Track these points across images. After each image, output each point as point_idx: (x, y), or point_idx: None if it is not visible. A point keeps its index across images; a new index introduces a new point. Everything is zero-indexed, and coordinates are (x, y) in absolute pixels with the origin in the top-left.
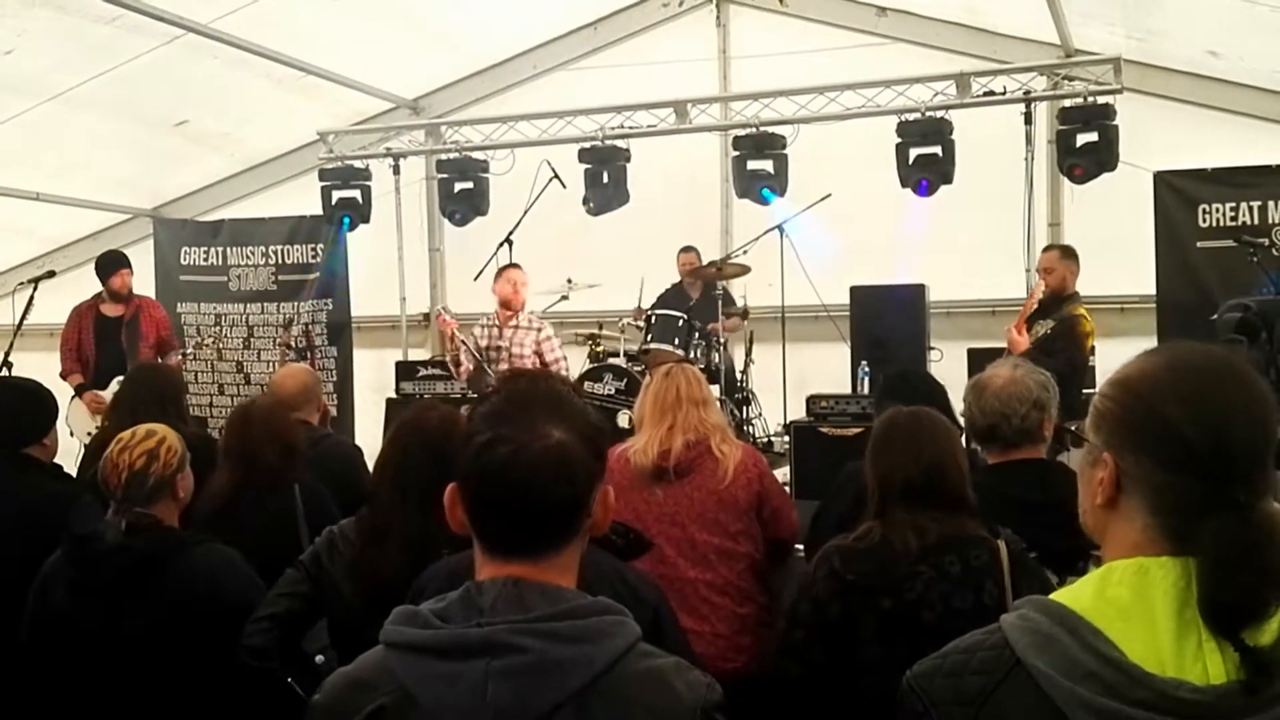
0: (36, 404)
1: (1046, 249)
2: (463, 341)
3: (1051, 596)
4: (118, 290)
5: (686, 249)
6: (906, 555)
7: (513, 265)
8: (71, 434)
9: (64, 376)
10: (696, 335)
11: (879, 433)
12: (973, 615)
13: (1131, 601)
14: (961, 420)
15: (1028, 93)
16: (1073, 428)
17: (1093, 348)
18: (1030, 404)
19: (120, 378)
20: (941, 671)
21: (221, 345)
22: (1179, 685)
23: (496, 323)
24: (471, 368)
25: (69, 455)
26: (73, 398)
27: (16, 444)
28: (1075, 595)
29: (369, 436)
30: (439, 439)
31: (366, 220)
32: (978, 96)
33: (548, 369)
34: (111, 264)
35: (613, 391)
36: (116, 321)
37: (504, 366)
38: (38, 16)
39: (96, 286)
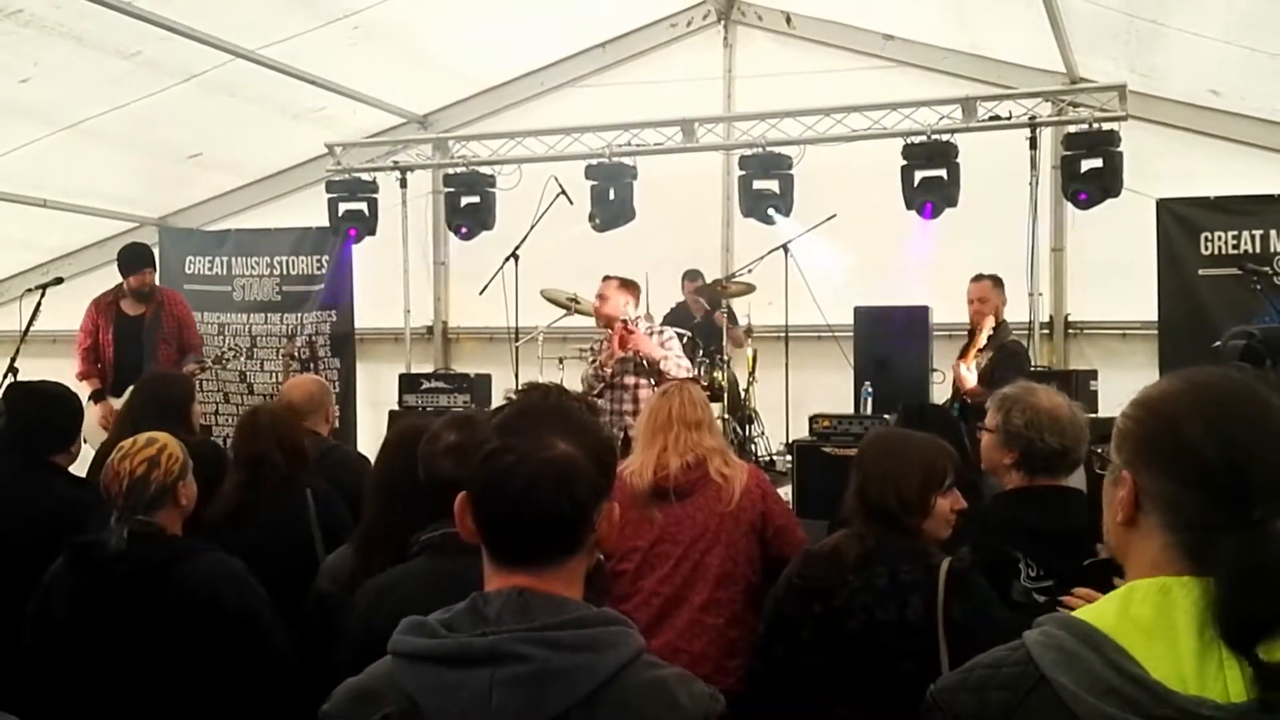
0: (66, 411)
1: (977, 278)
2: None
3: (1074, 614)
4: (136, 289)
5: (691, 275)
6: (845, 564)
7: (605, 280)
8: (85, 441)
9: (80, 378)
10: (700, 353)
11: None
12: (896, 628)
13: (1154, 620)
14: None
15: (1033, 118)
16: (1099, 450)
17: (1033, 371)
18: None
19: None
20: (966, 686)
21: (229, 357)
22: (1200, 703)
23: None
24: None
25: (82, 461)
26: (88, 401)
27: (42, 451)
28: (1098, 614)
29: (370, 450)
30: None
31: (372, 233)
32: (983, 121)
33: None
34: (134, 260)
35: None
36: (138, 321)
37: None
38: (55, 46)
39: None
